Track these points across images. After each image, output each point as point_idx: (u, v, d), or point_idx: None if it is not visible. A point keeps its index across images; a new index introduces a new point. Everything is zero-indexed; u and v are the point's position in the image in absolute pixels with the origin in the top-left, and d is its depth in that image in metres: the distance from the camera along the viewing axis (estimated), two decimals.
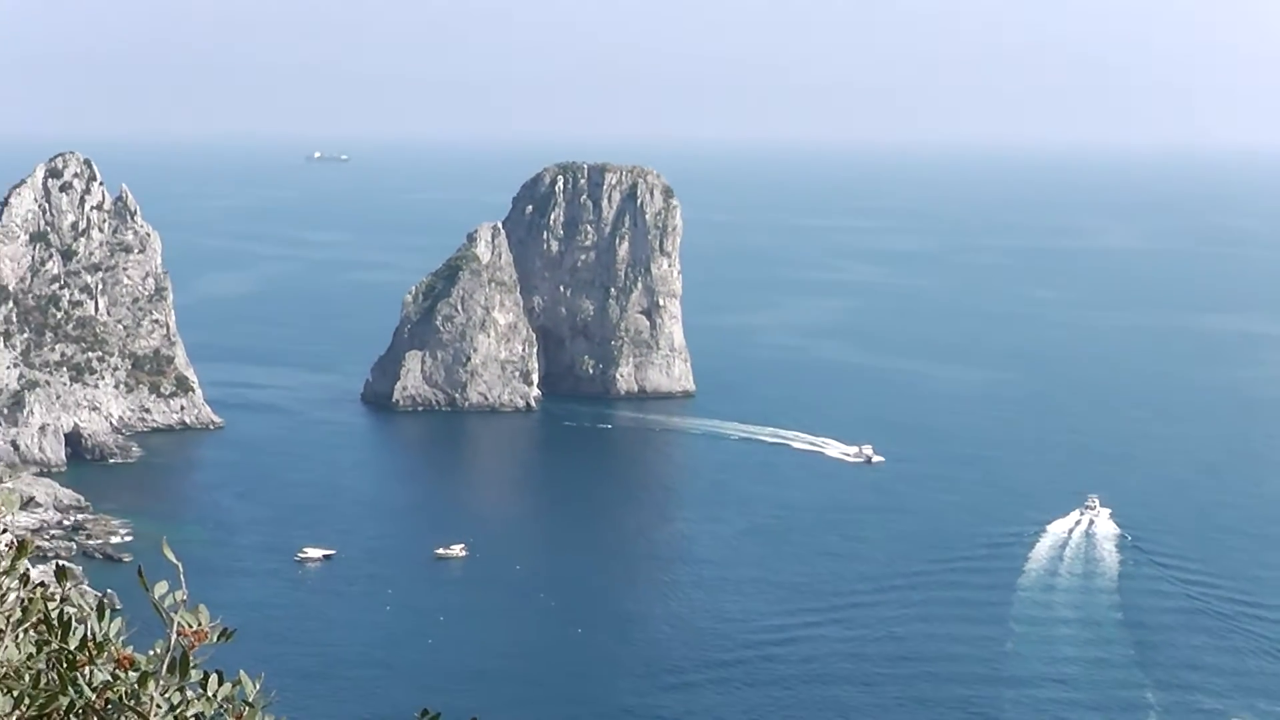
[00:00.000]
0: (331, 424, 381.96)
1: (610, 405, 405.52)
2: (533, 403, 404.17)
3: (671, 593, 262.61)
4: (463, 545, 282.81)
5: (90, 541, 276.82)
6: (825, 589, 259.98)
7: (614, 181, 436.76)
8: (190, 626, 8.05)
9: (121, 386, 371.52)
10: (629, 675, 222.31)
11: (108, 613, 8.29)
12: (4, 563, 8.88)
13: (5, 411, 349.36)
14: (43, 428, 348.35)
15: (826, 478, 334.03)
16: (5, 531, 8.86)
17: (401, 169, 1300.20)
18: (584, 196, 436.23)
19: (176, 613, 8.09)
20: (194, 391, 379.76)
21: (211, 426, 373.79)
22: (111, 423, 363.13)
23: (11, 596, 8.69)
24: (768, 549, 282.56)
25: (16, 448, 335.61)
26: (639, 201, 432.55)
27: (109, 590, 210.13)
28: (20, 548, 9.01)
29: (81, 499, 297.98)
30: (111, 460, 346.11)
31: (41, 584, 9.00)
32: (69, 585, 9.13)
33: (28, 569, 8.96)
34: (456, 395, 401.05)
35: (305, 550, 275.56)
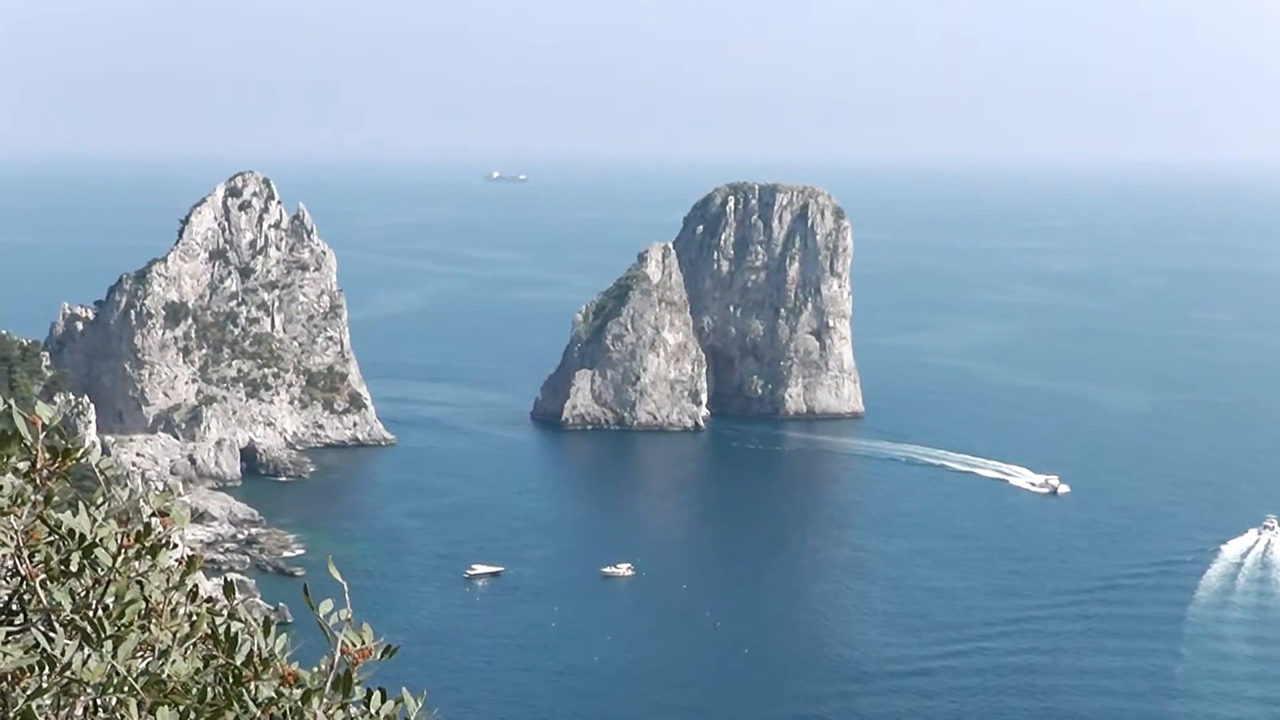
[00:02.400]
0: (501, 442, 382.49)
1: (779, 426, 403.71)
2: (701, 423, 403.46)
3: (839, 615, 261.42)
4: (629, 564, 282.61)
5: (263, 555, 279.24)
6: (995, 612, 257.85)
7: (785, 202, 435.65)
8: (354, 645, 8.37)
9: (296, 403, 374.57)
10: (794, 698, 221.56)
11: (273, 629, 8.65)
12: (174, 577, 9.22)
13: (183, 426, 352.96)
14: (219, 443, 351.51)
15: (1005, 507, 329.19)
16: (176, 546, 9.23)
17: (577, 188, 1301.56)
18: (755, 217, 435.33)
19: (341, 631, 8.41)
20: (366, 408, 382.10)
21: (383, 443, 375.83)
22: (286, 438, 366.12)
23: (180, 611, 9.04)
24: (937, 572, 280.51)
25: (194, 462, 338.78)
26: (810, 222, 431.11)
27: (280, 604, 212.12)
28: (189, 563, 9.37)
29: (255, 513, 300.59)
30: (285, 476, 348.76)
31: (210, 599, 9.34)
32: (237, 600, 9.46)
33: (197, 584, 9.31)
34: (625, 414, 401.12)
35: (474, 567, 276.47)
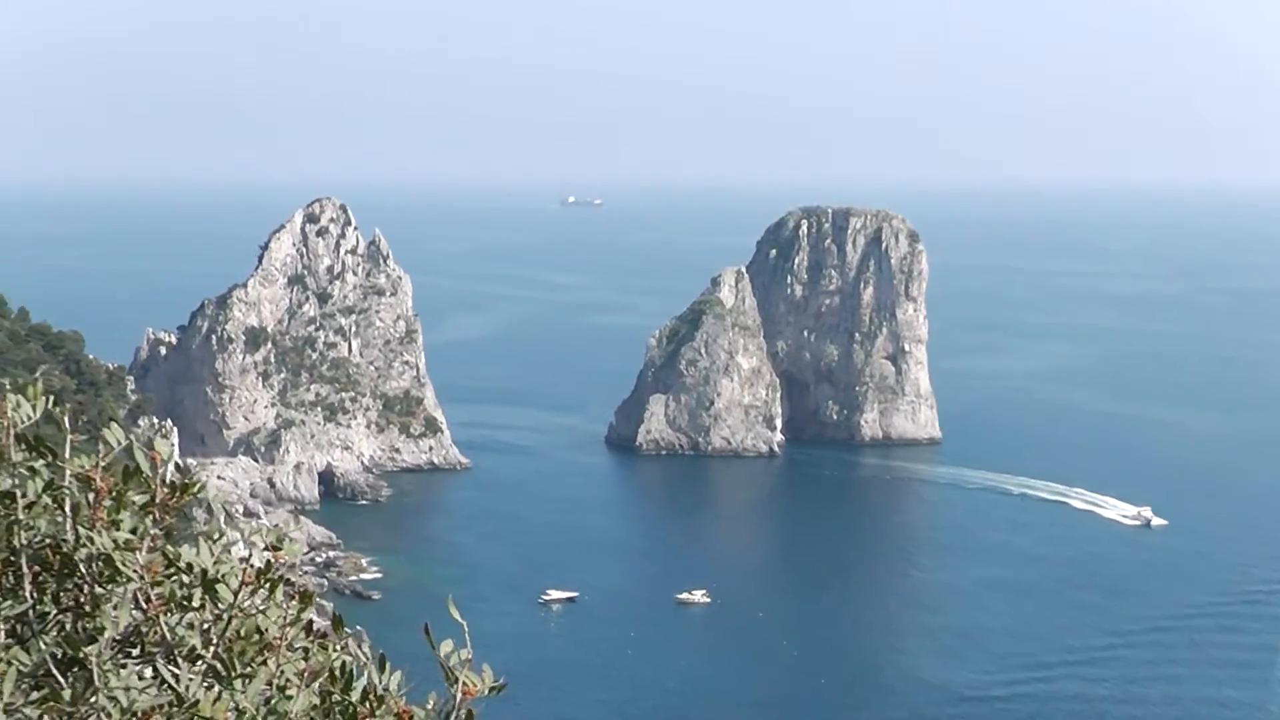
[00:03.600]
0: (575, 466, 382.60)
1: (854, 452, 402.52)
2: (776, 448, 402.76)
3: (917, 644, 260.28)
4: (704, 591, 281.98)
5: (340, 578, 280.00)
6: (1077, 642, 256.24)
7: (859, 225, 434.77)
8: (475, 686, 8.46)
9: (373, 427, 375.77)
10: None
11: (387, 665, 8.75)
12: (291, 612, 9.31)
13: (263, 450, 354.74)
14: (297, 466, 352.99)
15: (1093, 538, 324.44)
16: (292, 582, 9.35)
17: (652, 211, 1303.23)
18: (828, 240, 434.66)
19: (461, 671, 8.48)
20: (442, 432, 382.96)
21: (459, 467, 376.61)
22: (363, 462, 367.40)
23: (297, 646, 9.14)
24: (1019, 602, 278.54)
25: (273, 485, 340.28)
26: (884, 246, 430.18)
27: (357, 627, 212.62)
28: (304, 598, 9.46)
29: (333, 536, 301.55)
30: (362, 499, 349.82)
31: (324, 634, 9.44)
32: (347, 634, 9.57)
33: (311, 619, 9.42)
34: (699, 439, 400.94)
35: (549, 592, 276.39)
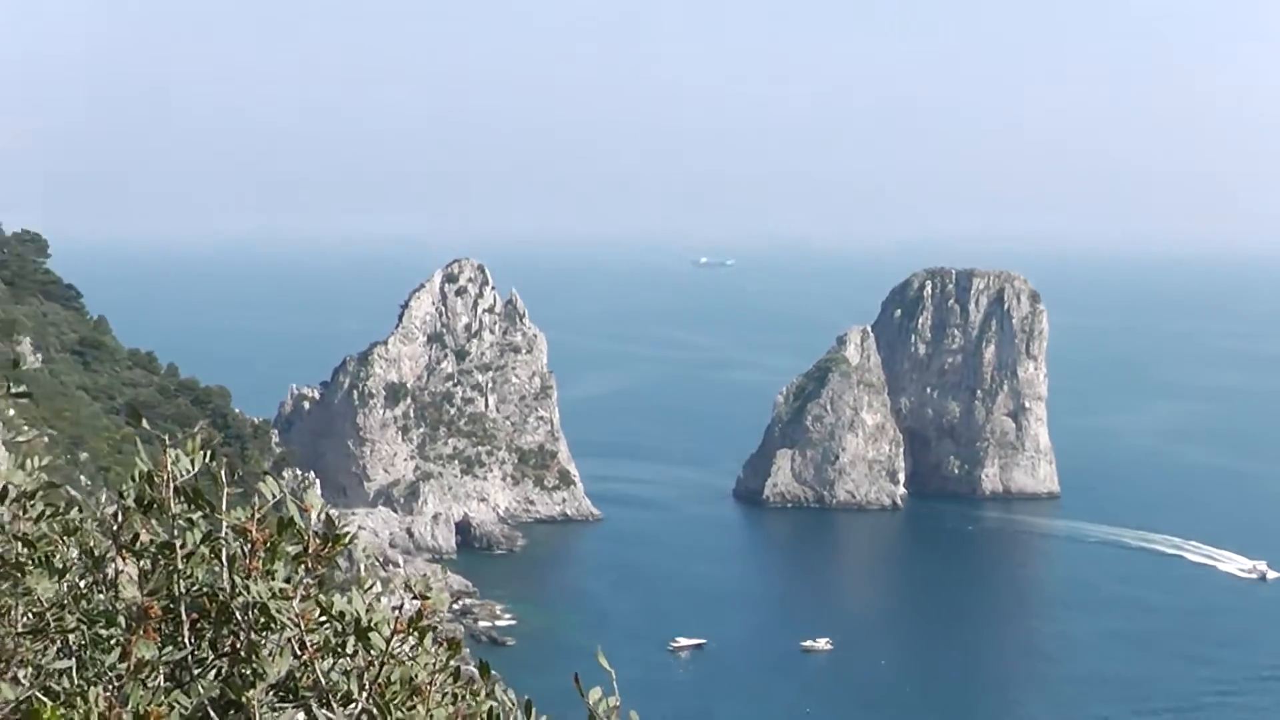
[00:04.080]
0: (704, 519, 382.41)
1: (976, 505, 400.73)
2: (899, 501, 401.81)
3: (1034, 692, 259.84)
4: (828, 639, 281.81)
5: (476, 625, 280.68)
6: (1189, 689, 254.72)
7: (981, 286, 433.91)
8: None
9: (508, 479, 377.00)
10: None
11: (533, 711, 8.77)
12: (440, 659, 9.36)
13: (402, 501, 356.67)
14: (435, 516, 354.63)
15: (1211, 591, 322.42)
16: (437, 629, 9.41)
17: (782, 272, 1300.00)
18: (951, 301, 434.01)
19: (610, 717, 8.50)
20: (575, 485, 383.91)
21: (590, 519, 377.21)
22: (498, 513, 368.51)
23: (446, 692, 9.19)
24: (1135, 653, 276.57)
25: (411, 535, 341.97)
26: (1006, 306, 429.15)
27: (493, 673, 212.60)
28: (452, 645, 9.51)
29: (469, 584, 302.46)
30: (497, 549, 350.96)
31: (471, 680, 9.49)
32: (494, 679, 9.62)
33: (459, 665, 9.46)
34: (825, 493, 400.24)
35: (677, 640, 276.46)
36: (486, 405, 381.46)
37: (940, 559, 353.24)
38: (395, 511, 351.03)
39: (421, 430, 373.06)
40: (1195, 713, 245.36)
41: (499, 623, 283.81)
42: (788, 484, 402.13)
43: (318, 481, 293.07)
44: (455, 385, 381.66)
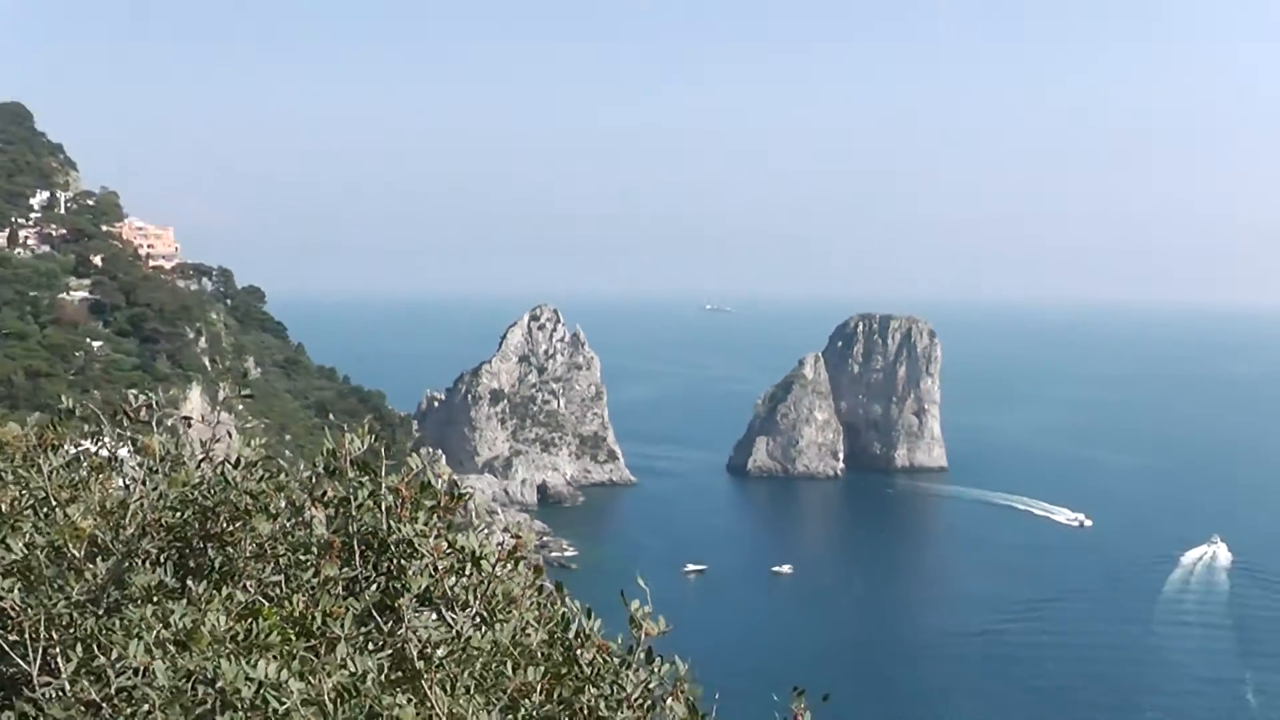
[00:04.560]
0: (705, 484, 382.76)
1: (891, 475, 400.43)
2: (839, 473, 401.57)
3: (924, 598, 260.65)
4: (790, 566, 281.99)
5: (551, 555, 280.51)
6: (1023, 598, 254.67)
7: (895, 326, 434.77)
8: (655, 629, 8.52)
9: (572, 455, 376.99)
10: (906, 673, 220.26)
11: (592, 614, 8.81)
12: (528, 578, 9.39)
13: (500, 469, 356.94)
14: (523, 481, 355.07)
15: (1043, 533, 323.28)
16: (526, 559, 9.46)
17: (766, 316, 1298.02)
18: (875, 335, 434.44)
19: (644, 620, 8.53)
20: (619, 459, 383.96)
21: (629, 483, 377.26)
22: (565, 478, 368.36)
23: (532, 600, 9.25)
24: (993, 576, 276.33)
25: (506, 493, 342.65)
26: (912, 340, 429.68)
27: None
28: (536, 570, 9.55)
29: (546, 527, 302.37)
30: (565, 504, 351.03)
31: (550, 594, 9.53)
32: (565, 594, 9.64)
33: (541, 584, 9.51)
34: (789, 466, 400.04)
35: (687, 566, 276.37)
36: (558, 405, 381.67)
37: (867, 512, 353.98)
38: (495, 477, 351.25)
39: (513, 421, 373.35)
40: (1031, 616, 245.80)
41: (566, 553, 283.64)
42: (764, 460, 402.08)
43: (443, 455, 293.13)
44: (537, 391, 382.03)
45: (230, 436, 10.91)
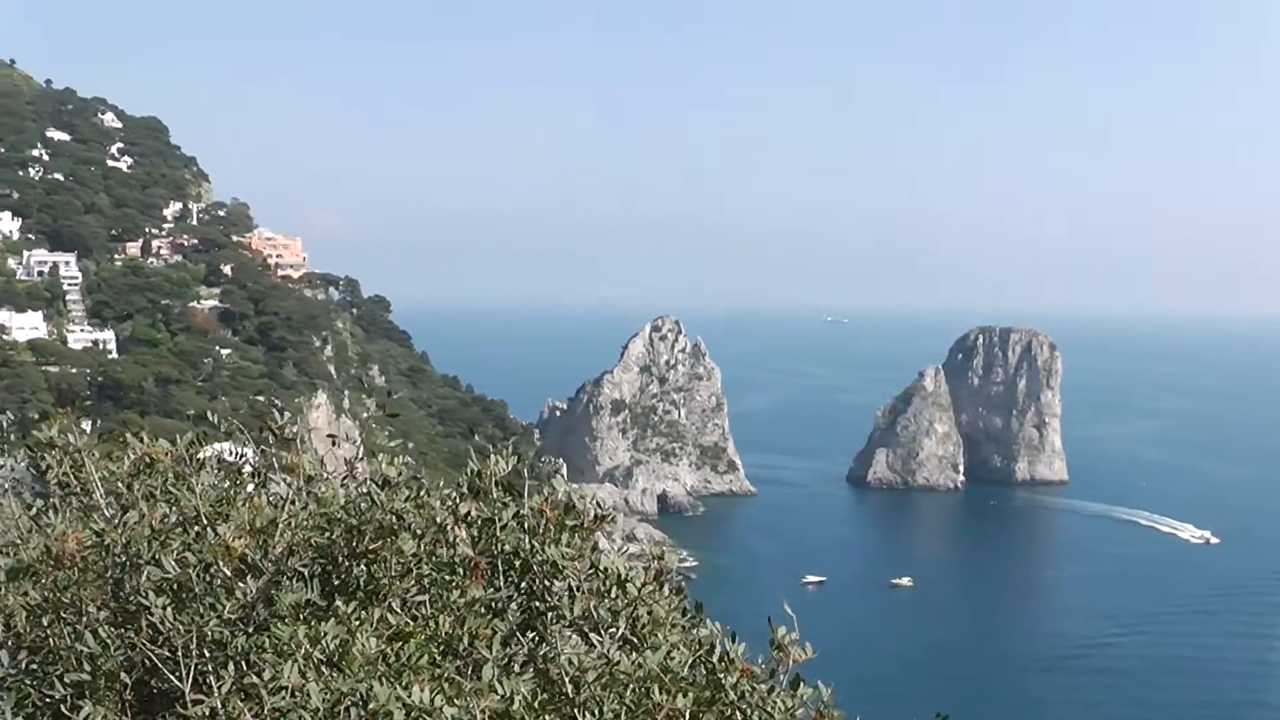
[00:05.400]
0: (825, 495, 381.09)
1: (1011, 489, 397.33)
2: (959, 485, 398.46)
3: (1041, 610, 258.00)
4: (909, 578, 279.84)
5: (670, 565, 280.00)
6: (1151, 613, 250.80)
7: (1016, 339, 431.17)
8: (802, 655, 8.41)
9: (692, 465, 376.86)
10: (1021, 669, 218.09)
11: (735, 637, 8.70)
12: (673, 602, 9.29)
13: (620, 479, 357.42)
14: (643, 490, 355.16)
15: (1166, 549, 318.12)
16: (669, 580, 9.37)
17: (882, 328, 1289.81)
18: (995, 348, 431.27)
19: (791, 646, 8.42)
20: (738, 470, 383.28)
21: (748, 494, 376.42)
22: (685, 488, 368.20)
23: (675, 624, 9.14)
24: (1112, 590, 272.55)
25: (627, 503, 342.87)
26: (1033, 353, 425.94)
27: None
28: (678, 592, 9.46)
29: (665, 536, 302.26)
30: (685, 513, 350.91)
31: (691, 615, 9.41)
32: (705, 615, 9.53)
33: (687, 606, 9.40)
34: (908, 478, 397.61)
35: (807, 577, 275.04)
36: (679, 415, 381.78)
37: (986, 525, 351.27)
38: (616, 486, 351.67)
39: (634, 431, 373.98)
40: (1146, 631, 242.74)
41: (685, 564, 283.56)
42: (883, 472, 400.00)
43: (564, 464, 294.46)
44: (658, 401, 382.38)
45: (357, 445, 10.93)
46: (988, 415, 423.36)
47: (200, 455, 10.19)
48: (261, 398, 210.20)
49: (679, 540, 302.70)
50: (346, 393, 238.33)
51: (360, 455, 10.30)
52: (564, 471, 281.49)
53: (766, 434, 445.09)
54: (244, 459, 10.69)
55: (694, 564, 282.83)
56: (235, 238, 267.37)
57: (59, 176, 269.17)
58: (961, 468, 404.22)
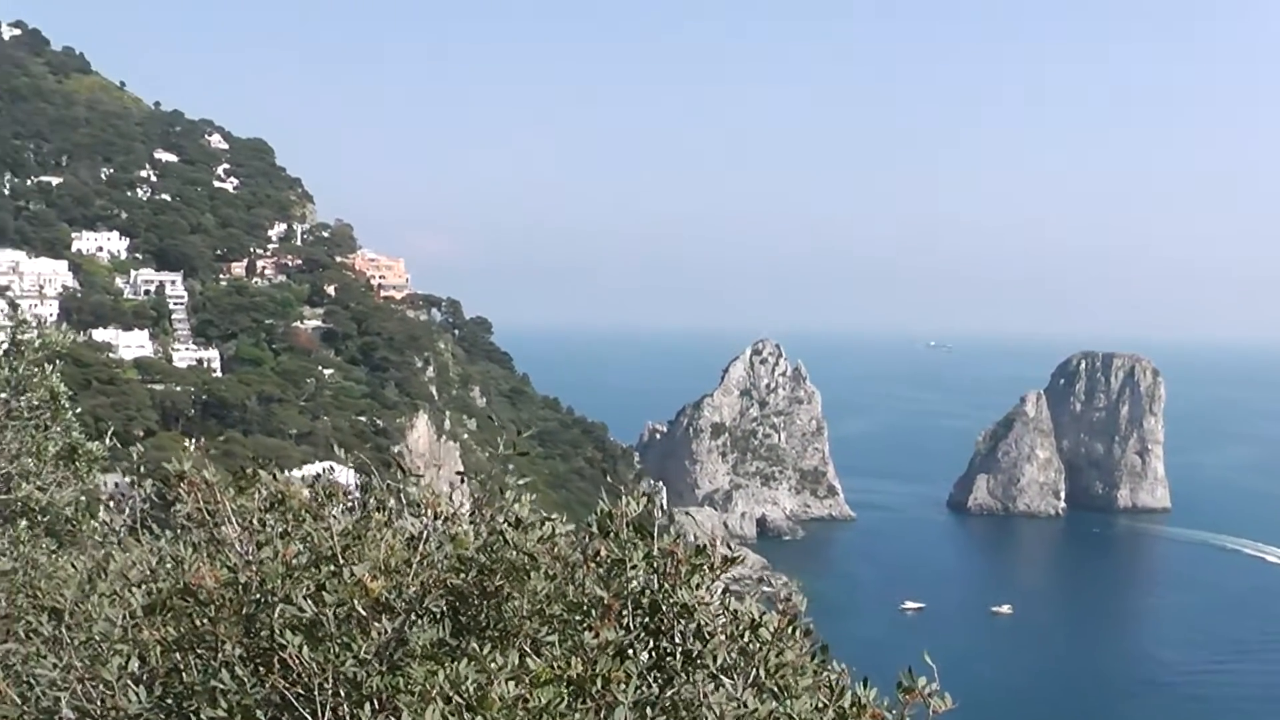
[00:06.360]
0: (925, 520, 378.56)
1: (1113, 516, 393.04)
2: (1060, 512, 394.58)
3: (1144, 637, 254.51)
4: (1010, 605, 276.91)
5: (768, 590, 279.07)
6: (1249, 640, 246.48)
7: (1119, 365, 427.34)
8: (943, 706, 8.29)
9: (792, 490, 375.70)
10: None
11: (867, 681, 8.61)
12: (803, 646, 9.21)
13: (720, 502, 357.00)
14: (743, 514, 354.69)
15: (1268, 577, 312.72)
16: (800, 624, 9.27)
17: (983, 353, 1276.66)
18: (1098, 374, 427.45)
19: (933, 698, 8.32)
20: (838, 494, 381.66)
21: (848, 519, 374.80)
22: (785, 513, 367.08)
23: (809, 668, 9.04)
24: (1216, 617, 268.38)
25: (726, 526, 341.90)
26: (1136, 378, 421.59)
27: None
28: (807, 634, 9.36)
29: (765, 561, 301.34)
30: (785, 537, 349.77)
31: (820, 659, 9.31)
32: (833, 659, 9.44)
33: (819, 648, 9.30)
34: (1009, 504, 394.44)
35: (906, 603, 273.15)
36: (779, 439, 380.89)
37: (1087, 552, 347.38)
38: (715, 509, 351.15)
39: (734, 455, 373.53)
40: (1245, 659, 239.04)
41: (786, 588, 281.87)
42: (984, 498, 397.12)
43: (664, 488, 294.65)
44: (758, 425, 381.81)
45: (486, 480, 10.89)
46: (1090, 441, 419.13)
47: (331, 490, 10.23)
48: (363, 418, 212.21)
49: (778, 564, 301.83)
50: (447, 413, 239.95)
51: (493, 490, 10.29)
52: (664, 495, 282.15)
53: (867, 458, 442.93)
54: (369, 493, 10.71)
55: (794, 586, 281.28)
56: (339, 258, 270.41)
57: (166, 197, 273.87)
58: (1063, 494, 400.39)
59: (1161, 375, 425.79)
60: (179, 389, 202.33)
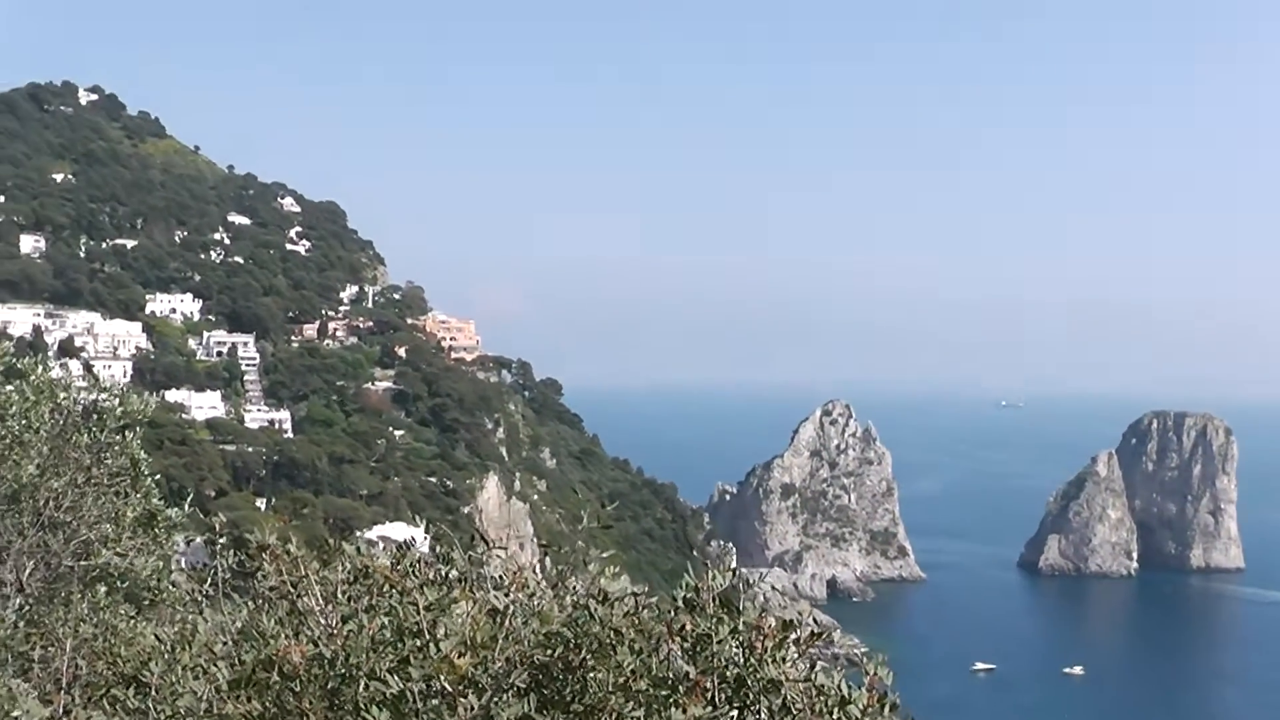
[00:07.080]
0: (996, 580, 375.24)
1: (1186, 576, 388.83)
2: (1132, 572, 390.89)
3: (1221, 695, 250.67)
4: (1082, 666, 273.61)
5: (838, 650, 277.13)
6: None
7: (1191, 424, 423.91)
8: None
9: (862, 551, 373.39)
10: None
11: None
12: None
13: (790, 563, 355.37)
14: (813, 575, 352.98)
15: None
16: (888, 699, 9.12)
17: (1056, 412, 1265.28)
18: (1170, 433, 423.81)
19: None
20: (909, 555, 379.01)
21: (919, 579, 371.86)
22: (855, 574, 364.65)
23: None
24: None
25: (796, 587, 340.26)
26: (1208, 437, 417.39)
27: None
28: (894, 707, 9.23)
29: (835, 622, 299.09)
30: (855, 598, 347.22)
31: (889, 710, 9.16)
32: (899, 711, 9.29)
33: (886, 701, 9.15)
34: (1081, 565, 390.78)
35: (977, 664, 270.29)
36: (849, 500, 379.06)
37: (1160, 613, 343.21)
38: (785, 570, 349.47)
39: (804, 516, 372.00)
40: None
41: (855, 650, 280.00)
42: (1055, 558, 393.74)
43: (733, 548, 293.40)
44: (828, 486, 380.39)
45: (570, 553, 10.80)
46: (1162, 501, 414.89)
47: (415, 565, 10.15)
48: (433, 478, 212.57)
49: (848, 626, 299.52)
50: (517, 474, 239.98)
51: (570, 567, 10.19)
52: (734, 555, 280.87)
53: (937, 518, 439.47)
54: (450, 564, 10.61)
55: (864, 649, 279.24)
56: (410, 320, 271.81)
57: (239, 259, 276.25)
58: (1135, 554, 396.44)
59: (1234, 434, 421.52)
60: (250, 449, 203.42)
